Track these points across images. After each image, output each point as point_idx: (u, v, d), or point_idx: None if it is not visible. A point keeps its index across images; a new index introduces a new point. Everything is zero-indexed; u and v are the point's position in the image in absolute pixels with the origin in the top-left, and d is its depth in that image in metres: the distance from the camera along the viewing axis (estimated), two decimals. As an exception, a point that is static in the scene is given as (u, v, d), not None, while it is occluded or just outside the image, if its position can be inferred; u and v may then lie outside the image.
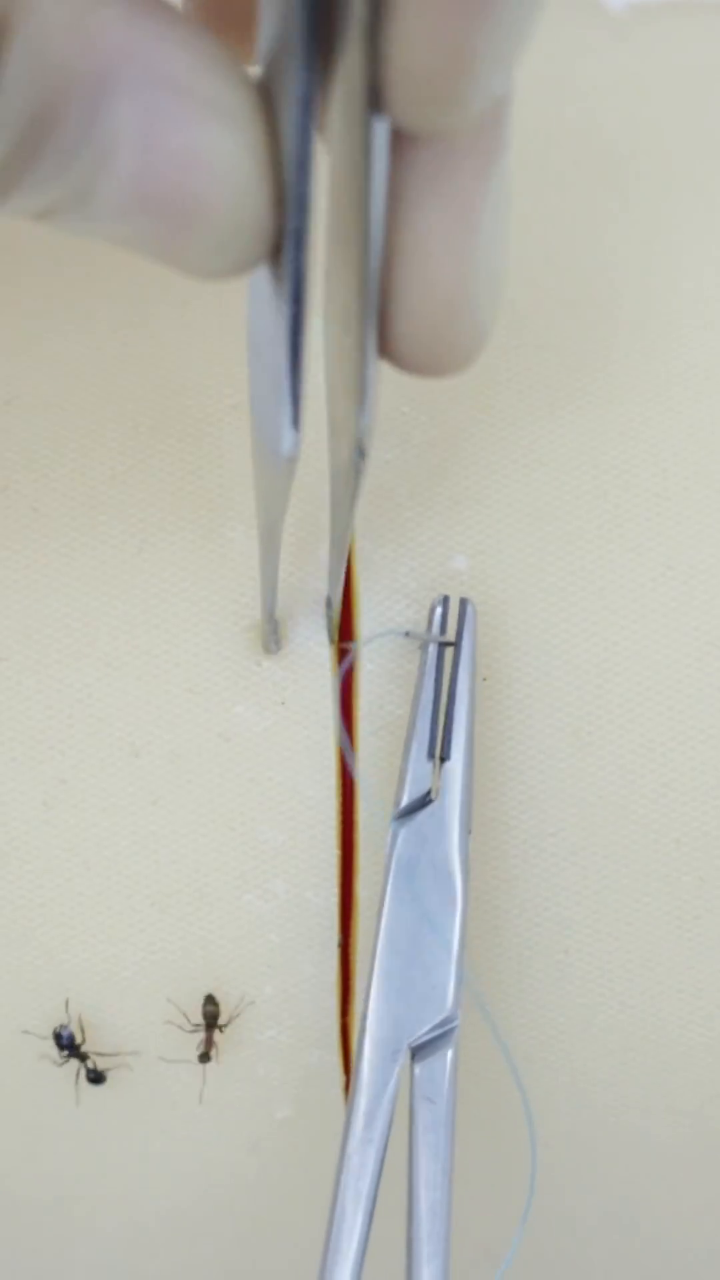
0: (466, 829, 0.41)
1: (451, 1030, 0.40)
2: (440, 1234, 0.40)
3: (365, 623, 0.42)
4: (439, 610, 0.41)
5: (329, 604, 0.42)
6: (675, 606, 0.42)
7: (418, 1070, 0.40)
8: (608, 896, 0.43)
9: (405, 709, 0.42)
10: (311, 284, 0.29)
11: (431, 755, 0.41)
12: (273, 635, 0.41)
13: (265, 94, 0.28)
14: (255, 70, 0.29)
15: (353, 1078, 0.40)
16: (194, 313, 0.42)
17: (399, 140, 0.28)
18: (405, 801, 0.41)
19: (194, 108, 0.27)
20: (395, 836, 0.41)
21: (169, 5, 0.28)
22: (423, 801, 0.41)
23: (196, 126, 0.27)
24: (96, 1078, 0.44)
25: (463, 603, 0.41)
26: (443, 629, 0.41)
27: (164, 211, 0.28)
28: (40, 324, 0.42)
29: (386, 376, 0.42)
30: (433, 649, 0.41)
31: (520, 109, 0.43)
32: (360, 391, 0.30)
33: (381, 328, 0.30)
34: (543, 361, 0.42)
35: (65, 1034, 0.43)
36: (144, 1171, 0.46)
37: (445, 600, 0.41)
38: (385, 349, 0.30)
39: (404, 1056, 0.40)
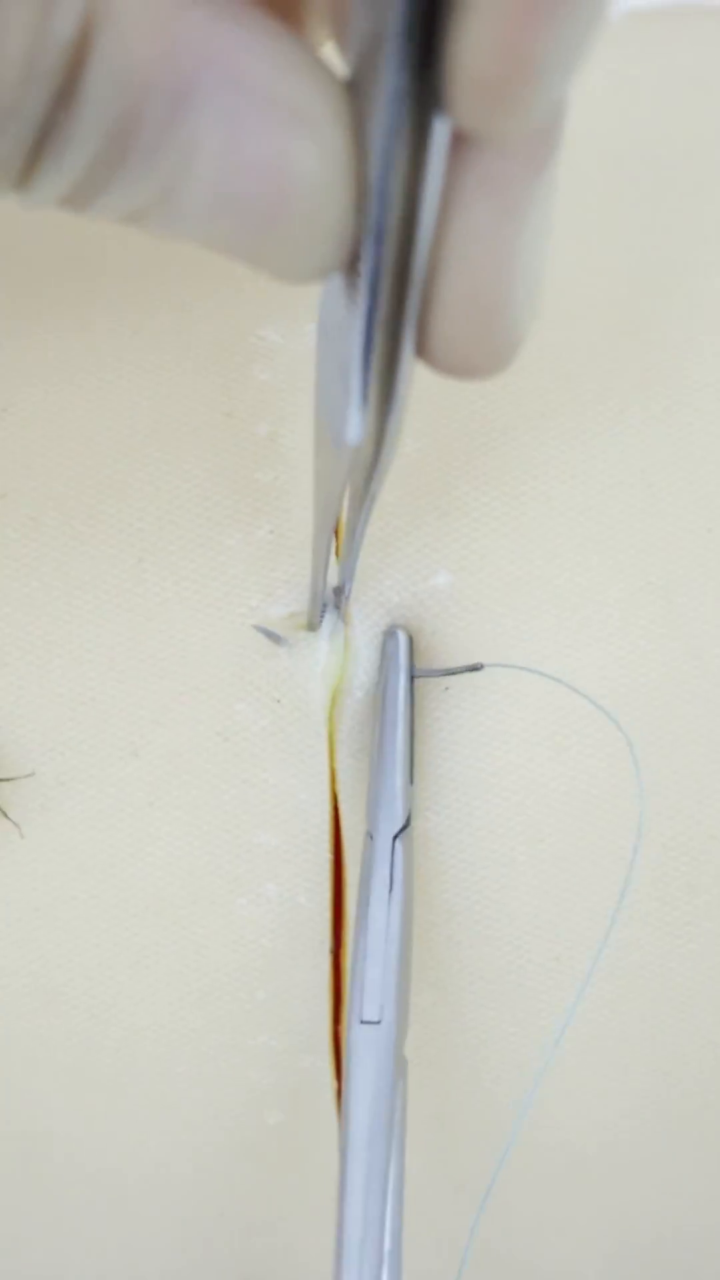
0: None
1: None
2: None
3: (356, 632, 0.43)
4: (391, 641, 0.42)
5: (340, 593, 0.42)
6: (657, 620, 0.42)
7: None
8: (598, 904, 0.43)
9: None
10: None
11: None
12: (319, 613, 0.42)
13: (351, 92, 0.28)
14: (336, 64, 0.29)
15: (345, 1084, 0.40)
16: (193, 320, 0.43)
17: (454, 140, 0.28)
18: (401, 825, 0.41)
19: (276, 114, 0.27)
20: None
21: (253, 6, 0.28)
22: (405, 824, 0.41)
23: (278, 134, 0.27)
24: None
25: (394, 632, 0.42)
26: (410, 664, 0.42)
27: (246, 216, 0.28)
28: (39, 332, 0.43)
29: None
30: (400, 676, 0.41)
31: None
32: (391, 389, 0.31)
33: (420, 327, 0.30)
34: (533, 373, 0.42)
35: None
36: (137, 1177, 0.46)
37: (395, 632, 0.42)
38: (422, 348, 0.31)
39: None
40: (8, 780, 0.43)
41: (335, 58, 0.30)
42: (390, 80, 0.27)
